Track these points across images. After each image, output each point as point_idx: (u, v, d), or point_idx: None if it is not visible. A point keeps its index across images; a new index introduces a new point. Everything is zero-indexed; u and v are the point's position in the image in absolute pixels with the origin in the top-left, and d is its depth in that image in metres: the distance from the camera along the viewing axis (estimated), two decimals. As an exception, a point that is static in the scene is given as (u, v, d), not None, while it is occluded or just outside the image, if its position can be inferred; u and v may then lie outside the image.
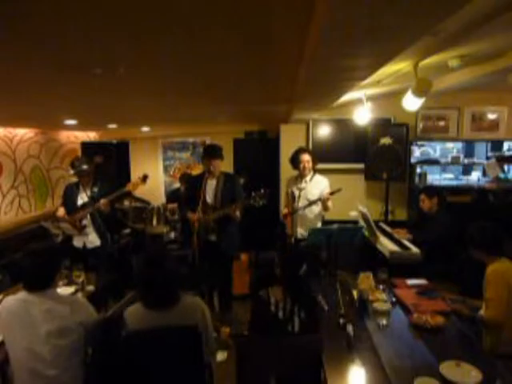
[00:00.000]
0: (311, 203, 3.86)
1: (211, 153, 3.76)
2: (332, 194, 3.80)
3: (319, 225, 3.98)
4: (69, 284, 3.08)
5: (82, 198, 3.82)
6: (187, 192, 4.05)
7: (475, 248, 2.56)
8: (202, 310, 2.13)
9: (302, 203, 3.88)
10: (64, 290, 2.93)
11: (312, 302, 2.23)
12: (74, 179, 3.95)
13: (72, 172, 3.75)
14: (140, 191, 4.38)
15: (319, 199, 3.82)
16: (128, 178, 5.69)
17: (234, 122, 5.91)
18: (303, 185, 3.94)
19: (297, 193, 3.91)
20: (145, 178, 3.82)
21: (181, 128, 6.38)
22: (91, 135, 6.57)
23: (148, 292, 2.06)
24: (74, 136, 6.10)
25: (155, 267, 2.05)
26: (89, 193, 3.82)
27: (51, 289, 2.08)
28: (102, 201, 3.66)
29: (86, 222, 3.77)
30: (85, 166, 3.76)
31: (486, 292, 2.41)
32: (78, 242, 3.83)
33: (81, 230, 3.74)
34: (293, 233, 3.89)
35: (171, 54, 1.80)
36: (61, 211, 3.86)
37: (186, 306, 2.09)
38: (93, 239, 3.82)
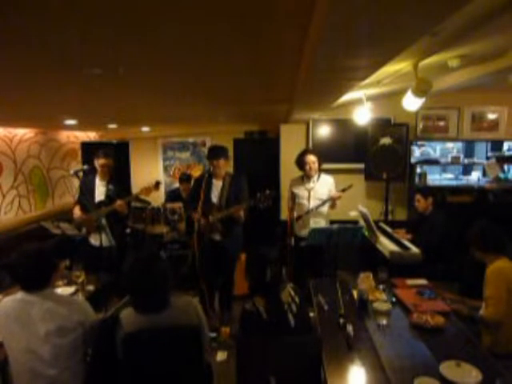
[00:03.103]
0: (324, 202, 3.91)
1: (215, 153, 3.76)
2: (344, 190, 3.86)
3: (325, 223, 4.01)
4: (69, 284, 3.08)
5: (100, 194, 3.85)
6: (192, 192, 4.05)
7: (476, 247, 2.57)
8: (195, 309, 2.08)
9: (313, 203, 3.93)
10: (64, 290, 2.93)
11: (281, 307, 2.21)
12: (75, 179, 3.96)
13: (72, 172, 3.75)
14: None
15: (331, 198, 3.87)
16: (128, 178, 5.69)
17: (234, 122, 5.91)
18: (311, 185, 3.98)
19: (306, 193, 3.95)
20: (157, 185, 3.83)
21: (181, 128, 6.38)
22: (91, 135, 6.57)
23: (136, 297, 2.00)
24: (74, 136, 6.10)
25: (143, 272, 1.98)
26: (105, 189, 3.84)
27: (49, 289, 2.08)
28: (118, 202, 3.67)
29: (104, 221, 3.77)
30: (102, 161, 3.82)
31: (486, 291, 2.42)
32: (95, 241, 3.84)
33: (94, 229, 3.76)
34: (295, 233, 3.92)
35: (171, 54, 1.80)
36: (77, 212, 3.87)
37: (178, 308, 2.05)
38: (109, 238, 3.82)
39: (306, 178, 4.00)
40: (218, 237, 3.74)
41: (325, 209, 4.00)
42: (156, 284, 1.98)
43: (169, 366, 1.97)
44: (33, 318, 1.97)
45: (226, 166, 3.84)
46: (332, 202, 3.93)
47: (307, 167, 3.91)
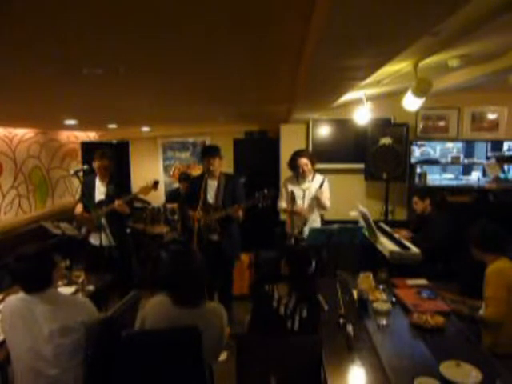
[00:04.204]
0: (313, 202, 3.92)
1: (209, 152, 3.77)
2: (321, 187, 3.88)
3: (319, 224, 4.01)
4: (69, 284, 3.08)
5: (100, 194, 3.86)
6: (188, 192, 4.05)
7: (476, 246, 2.56)
8: (222, 318, 2.14)
9: (307, 203, 3.93)
10: (64, 290, 2.93)
11: (316, 301, 2.25)
12: (75, 179, 3.95)
13: (72, 172, 3.76)
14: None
15: (315, 196, 3.90)
16: (128, 179, 5.70)
17: (233, 122, 5.91)
18: (307, 184, 3.97)
19: (301, 193, 3.94)
20: (155, 184, 3.83)
21: (181, 128, 6.38)
22: (91, 135, 6.57)
23: (177, 288, 2.05)
24: (74, 136, 6.10)
25: (186, 264, 2.04)
26: (105, 189, 3.85)
27: (51, 289, 2.08)
28: (117, 202, 3.68)
29: (104, 221, 3.76)
30: (97, 163, 3.82)
31: (486, 291, 2.42)
32: (95, 240, 3.83)
33: (95, 229, 3.75)
34: (293, 232, 3.92)
35: (171, 54, 1.80)
36: (78, 210, 3.89)
37: (209, 310, 2.10)
38: (109, 238, 3.80)
39: (300, 177, 4.00)
40: (216, 237, 3.75)
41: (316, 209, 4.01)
42: (197, 276, 2.04)
43: (169, 365, 1.98)
44: (37, 317, 1.97)
45: (221, 166, 3.84)
46: (316, 200, 3.92)
47: (300, 170, 3.92)
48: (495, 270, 2.43)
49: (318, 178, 4.02)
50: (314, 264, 2.28)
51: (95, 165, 3.83)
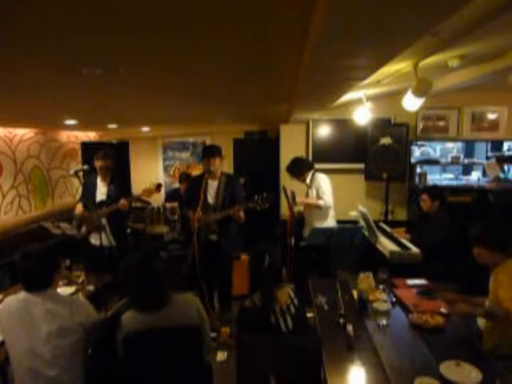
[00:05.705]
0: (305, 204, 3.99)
1: (210, 152, 3.76)
2: (293, 199, 3.96)
3: (326, 223, 3.99)
4: (69, 284, 3.08)
5: (101, 194, 3.86)
6: (188, 192, 4.06)
7: (483, 246, 2.46)
8: (196, 307, 2.08)
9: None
10: (64, 290, 2.93)
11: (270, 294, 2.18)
12: (75, 179, 3.95)
13: (71, 172, 3.75)
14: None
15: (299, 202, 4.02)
16: (128, 179, 5.70)
17: (234, 122, 5.91)
18: (305, 184, 4.01)
19: (297, 193, 3.97)
20: (159, 187, 3.84)
21: (181, 128, 6.38)
22: (91, 135, 6.57)
23: (134, 295, 2.01)
24: (74, 136, 6.10)
25: (138, 270, 1.99)
26: (107, 189, 3.85)
27: (51, 289, 2.08)
28: (122, 201, 3.67)
29: (104, 221, 3.76)
30: (100, 163, 3.82)
31: (501, 293, 2.23)
32: (95, 240, 3.82)
33: (95, 229, 3.75)
34: (292, 233, 3.93)
35: (171, 54, 1.80)
36: (79, 209, 3.88)
37: (179, 305, 2.05)
38: (109, 238, 3.79)
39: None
40: (215, 237, 3.75)
41: (313, 210, 4.01)
42: (152, 281, 1.98)
43: (168, 366, 1.97)
44: (35, 317, 1.97)
45: (221, 166, 3.83)
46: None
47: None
48: (508, 272, 2.35)
49: (317, 176, 4.02)
50: (267, 258, 2.22)
51: (97, 165, 3.83)
